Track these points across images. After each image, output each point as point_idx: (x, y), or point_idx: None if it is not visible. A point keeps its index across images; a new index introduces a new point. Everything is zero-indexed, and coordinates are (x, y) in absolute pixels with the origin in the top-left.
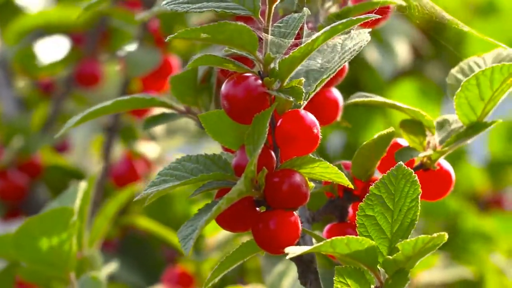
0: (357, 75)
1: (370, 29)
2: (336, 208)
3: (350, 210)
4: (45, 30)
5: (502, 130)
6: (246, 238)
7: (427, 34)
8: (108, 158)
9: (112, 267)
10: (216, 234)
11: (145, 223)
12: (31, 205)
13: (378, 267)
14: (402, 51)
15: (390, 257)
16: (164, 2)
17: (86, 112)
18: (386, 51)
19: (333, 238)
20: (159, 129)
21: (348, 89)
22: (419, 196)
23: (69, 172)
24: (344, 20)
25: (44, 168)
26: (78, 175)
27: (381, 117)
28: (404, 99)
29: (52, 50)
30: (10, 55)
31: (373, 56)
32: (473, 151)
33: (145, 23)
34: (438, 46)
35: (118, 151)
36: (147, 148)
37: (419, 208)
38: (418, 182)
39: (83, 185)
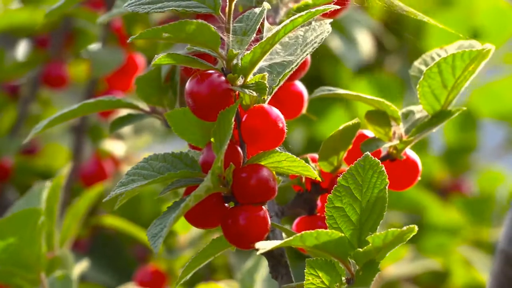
0: (320, 69)
1: (331, 20)
2: (304, 201)
3: (319, 202)
4: (9, 32)
5: (457, 117)
6: (217, 234)
7: (388, 26)
8: (77, 158)
9: (83, 266)
10: (188, 231)
11: (114, 222)
12: (0, 208)
13: (349, 259)
14: (366, 43)
15: (360, 249)
16: (125, 4)
17: (53, 116)
18: (350, 44)
19: (303, 232)
20: (126, 128)
21: (312, 82)
22: (387, 186)
23: (38, 174)
24: (303, 13)
25: (13, 170)
26: (48, 176)
27: (343, 110)
28: (366, 92)
29: (16, 52)
30: None
31: (337, 48)
32: (430, 140)
33: (108, 23)
34: (399, 38)
35: (88, 151)
36: (115, 147)
37: (387, 198)
38: (385, 173)
39: (48, 184)
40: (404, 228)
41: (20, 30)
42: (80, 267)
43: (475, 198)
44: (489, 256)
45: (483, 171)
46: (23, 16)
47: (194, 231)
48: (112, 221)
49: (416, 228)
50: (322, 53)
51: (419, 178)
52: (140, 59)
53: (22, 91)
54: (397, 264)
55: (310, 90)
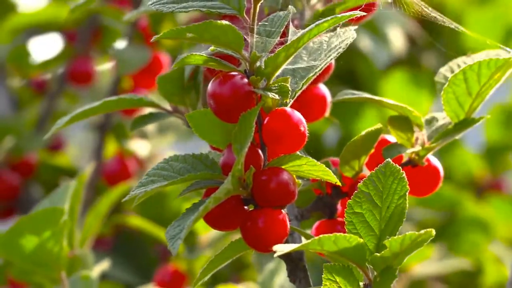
0: (352, 65)
1: (356, 26)
2: (324, 205)
3: (339, 206)
4: (38, 28)
5: (498, 115)
6: (238, 235)
7: (422, 23)
8: (100, 156)
9: (104, 265)
10: (208, 231)
11: (137, 221)
12: (24, 204)
13: (367, 264)
14: (397, 39)
15: (377, 254)
16: (149, 3)
17: (74, 113)
18: (380, 40)
19: (321, 236)
20: (150, 127)
21: (343, 79)
22: (407, 193)
23: (62, 171)
24: (329, 18)
25: (37, 167)
26: (71, 173)
27: (374, 110)
28: (398, 88)
29: (45, 48)
30: (3, 54)
31: (367, 45)
32: (469, 137)
33: (134, 21)
34: (434, 34)
35: (111, 149)
36: (139, 146)
37: (407, 205)
38: (406, 179)
39: (73, 183)
40: (422, 231)
41: (48, 26)
42: (101, 267)
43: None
44: None
45: None
46: (51, 13)
47: (215, 231)
48: (134, 220)
49: (433, 232)
50: (354, 50)
51: (440, 185)
52: (165, 58)
53: (48, 87)
54: (424, 263)
55: (344, 85)
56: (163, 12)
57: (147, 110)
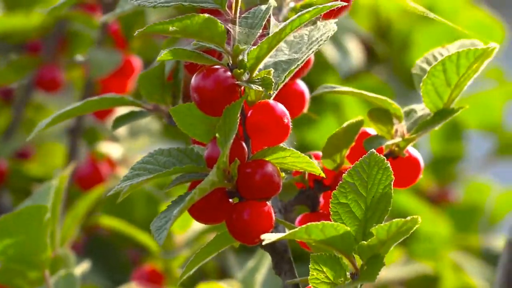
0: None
1: (336, 19)
2: (307, 198)
3: (321, 199)
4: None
5: (442, 128)
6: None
7: (376, 35)
8: (73, 160)
9: (84, 266)
10: (184, 231)
11: (110, 221)
12: None
13: (353, 253)
14: (355, 51)
15: (364, 242)
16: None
17: (57, 113)
18: (342, 51)
19: (308, 224)
20: (122, 130)
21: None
22: (392, 183)
23: (33, 179)
24: (310, 9)
25: (7, 175)
26: (43, 181)
27: (334, 117)
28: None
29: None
30: None
31: (331, 55)
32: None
33: (104, 26)
34: (388, 48)
35: (83, 153)
36: (111, 150)
37: (392, 194)
38: (391, 169)
39: (55, 183)
40: (408, 218)
41: (11, 36)
42: (81, 267)
43: (462, 207)
44: (479, 261)
45: (469, 182)
46: (13, 22)
47: (191, 231)
48: (108, 221)
49: (419, 219)
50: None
51: (421, 176)
52: (137, 61)
53: (15, 95)
54: (388, 268)
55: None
56: (146, 7)
57: (124, 110)
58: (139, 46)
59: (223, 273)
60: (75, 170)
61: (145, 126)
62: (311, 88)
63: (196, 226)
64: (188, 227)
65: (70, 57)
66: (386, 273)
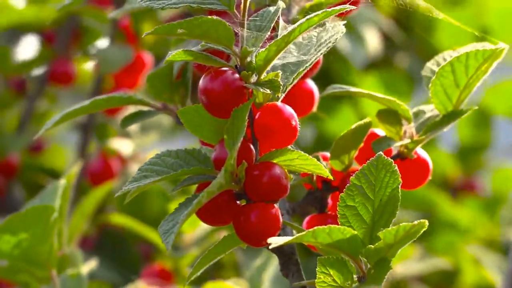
0: (328, 66)
1: (344, 21)
2: (315, 200)
3: (329, 201)
4: (17, 29)
5: (470, 115)
6: (224, 233)
7: (397, 22)
8: (84, 156)
9: (92, 264)
10: (193, 230)
11: (121, 220)
12: (7, 205)
13: (360, 256)
14: (373, 40)
15: (371, 246)
16: (139, 0)
17: (64, 112)
18: (356, 41)
19: (315, 228)
20: (133, 126)
21: (320, 79)
22: (399, 186)
23: (45, 172)
24: (319, 12)
25: (20, 168)
26: (54, 174)
27: (351, 108)
28: (373, 89)
29: (24, 49)
30: None
31: (344, 45)
32: (443, 138)
33: (115, 21)
34: (409, 34)
35: (94, 149)
36: (122, 146)
37: (400, 197)
38: (398, 172)
39: (62, 182)
40: (415, 222)
41: (27, 26)
42: (89, 265)
43: (487, 199)
44: (499, 255)
45: (496, 170)
46: (30, 14)
47: (200, 230)
48: (119, 219)
49: (426, 223)
50: (330, 50)
51: (429, 178)
52: (148, 57)
53: (28, 88)
54: (404, 263)
55: (319, 87)
56: (153, 8)
57: (134, 109)
58: (150, 42)
59: (237, 268)
60: (86, 166)
61: (156, 122)
62: (330, 80)
63: (206, 225)
64: (197, 226)
65: (82, 51)
66: (403, 269)
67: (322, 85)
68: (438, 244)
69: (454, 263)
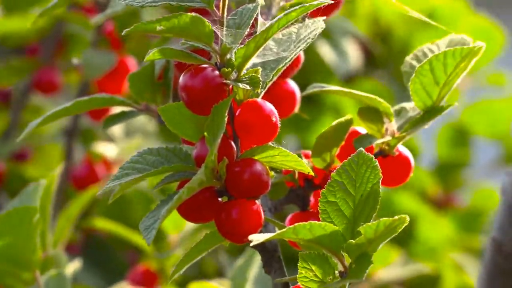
0: (309, 78)
1: (324, 17)
2: (297, 197)
3: (312, 199)
4: None
5: (448, 133)
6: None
7: (376, 38)
8: (69, 161)
9: (75, 265)
10: (178, 231)
11: (106, 224)
12: None
13: (342, 251)
14: (354, 54)
15: (352, 241)
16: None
17: (47, 114)
18: (339, 52)
19: (296, 224)
20: (117, 130)
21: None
22: (380, 181)
23: (31, 181)
24: (297, 7)
25: (5, 176)
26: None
27: (334, 118)
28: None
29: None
30: None
31: (327, 55)
32: (422, 156)
33: (99, 27)
34: (387, 52)
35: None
36: (106, 150)
37: (380, 193)
38: (379, 167)
39: (43, 183)
40: (396, 217)
41: (9, 38)
42: (73, 266)
43: (467, 212)
44: (480, 262)
45: (476, 188)
46: (12, 25)
47: (184, 231)
48: (103, 224)
49: (407, 218)
50: (311, 62)
51: (411, 174)
52: (132, 62)
53: (13, 98)
54: (387, 268)
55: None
56: (133, 7)
57: (117, 111)
58: (134, 47)
59: (220, 274)
60: (71, 171)
61: (140, 127)
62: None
63: (190, 226)
64: (182, 227)
65: (67, 59)
66: (386, 273)
67: (303, 98)
68: (419, 251)
69: (435, 269)
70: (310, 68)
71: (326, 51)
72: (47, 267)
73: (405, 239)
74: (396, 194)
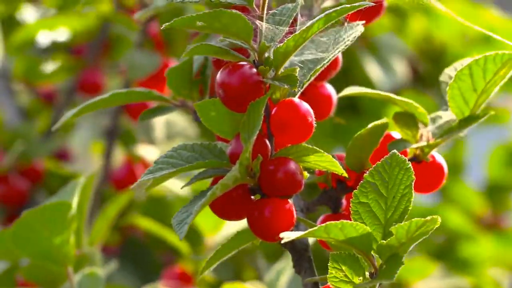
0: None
1: (363, 21)
2: (330, 199)
3: (344, 201)
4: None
5: (501, 154)
6: None
7: (424, 54)
8: (109, 162)
9: (111, 266)
10: (215, 234)
11: (144, 223)
12: None
13: (372, 252)
14: (400, 69)
15: (383, 241)
16: None
17: (84, 104)
18: (384, 67)
19: (327, 223)
20: (158, 133)
21: (347, 109)
22: (413, 183)
23: (69, 178)
24: (338, 8)
25: (44, 174)
26: None
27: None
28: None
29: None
30: (12, 65)
31: (373, 69)
32: (472, 174)
33: (145, 29)
34: (435, 68)
35: (119, 156)
36: (147, 152)
37: (413, 195)
38: (412, 169)
39: (81, 181)
40: (428, 218)
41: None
42: (109, 267)
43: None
44: None
45: None
46: (59, 23)
47: (221, 234)
48: (142, 221)
49: (439, 219)
50: (355, 77)
51: (444, 181)
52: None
53: (57, 98)
54: (425, 280)
55: (347, 116)
56: (174, 3)
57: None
58: (179, 49)
59: (259, 280)
60: (111, 172)
61: (181, 131)
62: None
63: (228, 230)
64: (219, 230)
65: (112, 61)
66: (424, 285)
67: (352, 115)
68: (460, 265)
69: (474, 284)
70: (353, 83)
71: (371, 67)
72: (81, 265)
73: (445, 254)
74: (443, 210)
